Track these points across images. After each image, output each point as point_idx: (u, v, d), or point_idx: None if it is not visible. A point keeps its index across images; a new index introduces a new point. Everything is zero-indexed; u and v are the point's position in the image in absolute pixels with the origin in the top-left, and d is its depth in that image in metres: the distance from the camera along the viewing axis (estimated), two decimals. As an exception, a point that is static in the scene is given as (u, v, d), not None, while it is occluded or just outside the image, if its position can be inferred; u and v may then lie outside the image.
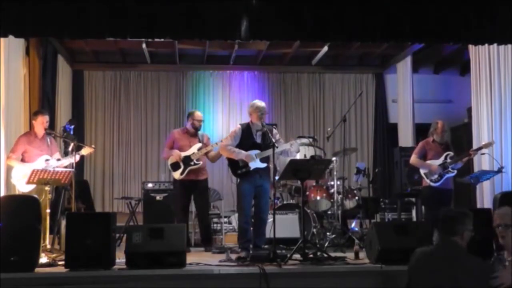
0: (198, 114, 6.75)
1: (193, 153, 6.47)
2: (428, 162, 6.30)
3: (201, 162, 6.49)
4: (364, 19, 5.40)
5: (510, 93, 6.72)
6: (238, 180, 5.64)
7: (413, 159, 6.44)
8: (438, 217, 3.42)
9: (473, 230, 3.35)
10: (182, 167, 6.46)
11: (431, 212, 6.14)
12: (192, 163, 6.45)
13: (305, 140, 5.96)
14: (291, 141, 5.72)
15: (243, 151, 5.56)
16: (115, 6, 5.10)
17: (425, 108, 9.54)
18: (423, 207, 7.26)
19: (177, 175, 6.50)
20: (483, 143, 6.46)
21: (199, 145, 6.53)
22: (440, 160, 6.25)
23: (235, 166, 5.60)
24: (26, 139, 5.88)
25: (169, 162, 6.58)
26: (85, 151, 6.07)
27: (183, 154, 6.47)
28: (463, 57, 8.78)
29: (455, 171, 6.23)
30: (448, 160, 6.22)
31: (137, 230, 4.83)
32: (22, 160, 5.82)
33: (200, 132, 6.73)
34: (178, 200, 6.64)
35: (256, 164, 5.53)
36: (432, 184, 6.23)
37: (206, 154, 6.55)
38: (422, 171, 6.35)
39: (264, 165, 5.58)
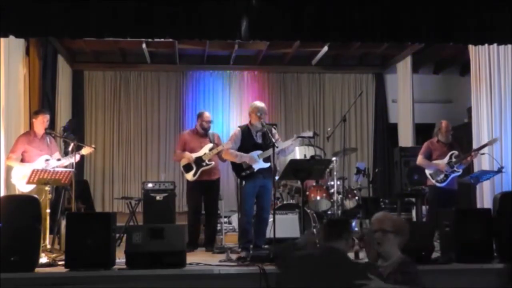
0: (207, 115, 6.71)
1: (205, 153, 6.41)
2: (435, 162, 6.28)
3: (213, 163, 6.43)
4: (364, 19, 5.39)
5: (510, 93, 6.71)
6: (244, 182, 5.63)
7: (420, 159, 6.41)
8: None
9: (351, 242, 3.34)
10: (195, 168, 6.41)
11: (434, 213, 6.13)
12: (204, 163, 6.40)
13: (304, 135, 5.87)
14: (289, 140, 5.69)
15: (245, 154, 5.58)
16: (115, 6, 5.10)
17: (425, 108, 9.56)
18: (423, 207, 7.25)
19: (189, 176, 6.44)
20: (488, 140, 6.45)
21: (210, 145, 6.47)
22: (445, 160, 6.24)
23: (239, 168, 5.62)
24: (25, 139, 5.87)
25: (181, 164, 6.54)
26: (85, 150, 6.07)
27: (194, 155, 6.42)
28: (463, 57, 8.77)
29: (461, 171, 6.22)
30: (453, 160, 6.21)
31: (137, 230, 4.83)
32: (22, 160, 5.80)
33: (210, 132, 6.68)
34: (190, 202, 6.61)
35: (259, 164, 5.57)
36: (437, 184, 6.22)
37: (218, 153, 6.46)
38: (427, 172, 6.33)
39: (267, 164, 5.61)
